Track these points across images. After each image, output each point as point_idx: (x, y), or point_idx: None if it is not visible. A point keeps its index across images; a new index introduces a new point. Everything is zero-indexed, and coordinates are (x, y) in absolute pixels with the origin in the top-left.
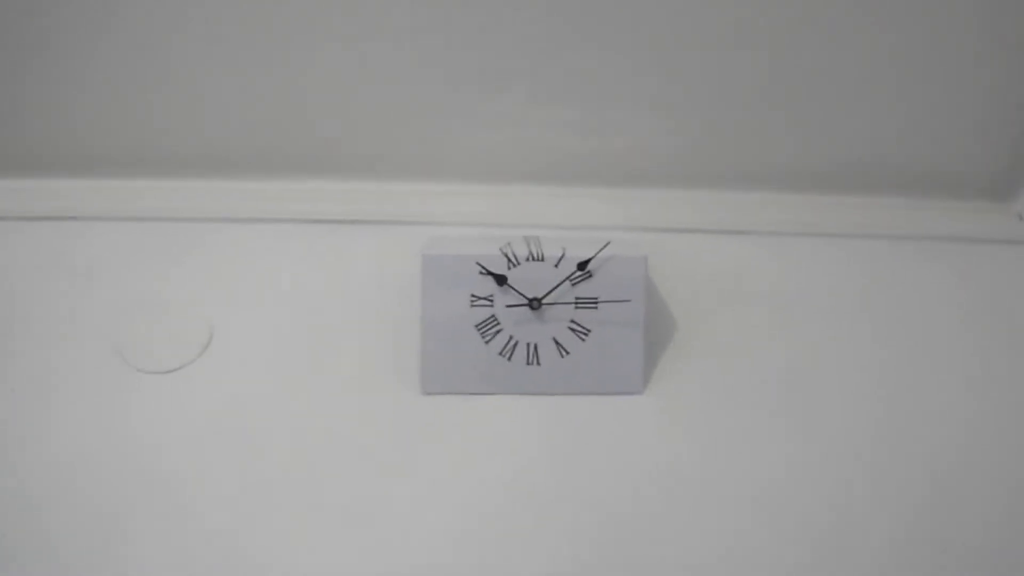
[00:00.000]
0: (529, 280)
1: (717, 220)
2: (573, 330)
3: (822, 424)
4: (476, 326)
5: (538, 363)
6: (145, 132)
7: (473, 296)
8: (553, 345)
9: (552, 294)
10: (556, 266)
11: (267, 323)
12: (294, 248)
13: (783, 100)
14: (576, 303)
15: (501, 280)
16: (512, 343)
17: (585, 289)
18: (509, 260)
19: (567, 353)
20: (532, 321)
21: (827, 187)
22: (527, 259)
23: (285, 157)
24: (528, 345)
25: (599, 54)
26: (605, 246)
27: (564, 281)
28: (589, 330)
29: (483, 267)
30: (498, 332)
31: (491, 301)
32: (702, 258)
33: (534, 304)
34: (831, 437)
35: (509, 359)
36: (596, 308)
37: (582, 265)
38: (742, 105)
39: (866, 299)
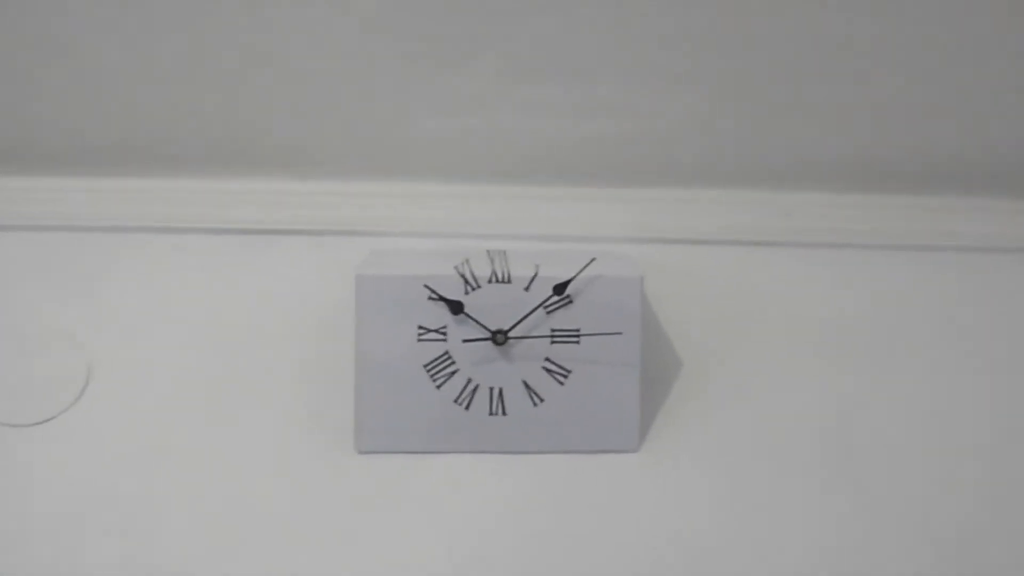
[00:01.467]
0: (492, 307)
1: (733, 228)
2: (549, 371)
3: (873, 489)
4: (425, 366)
5: (503, 412)
6: (5, 120)
7: (421, 328)
8: (523, 390)
9: (522, 325)
10: (527, 289)
11: (160, 361)
12: (196, 265)
13: (824, 71)
14: (553, 336)
15: (457, 307)
16: (471, 388)
17: (564, 319)
18: (467, 282)
19: (541, 400)
20: (496, 360)
21: (878, 184)
22: (490, 280)
23: (181, 150)
24: (491, 390)
25: (584, 17)
26: (590, 263)
27: (537, 308)
28: (569, 371)
29: (433, 291)
30: (453, 374)
31: (444, 334)
32: (714, 278)
33: (498, 338)
34: (885, 506)
35: (467, 408)
36: (578, 343)
37: (560, 288)
38: (768, 78)
39: (936, 324)
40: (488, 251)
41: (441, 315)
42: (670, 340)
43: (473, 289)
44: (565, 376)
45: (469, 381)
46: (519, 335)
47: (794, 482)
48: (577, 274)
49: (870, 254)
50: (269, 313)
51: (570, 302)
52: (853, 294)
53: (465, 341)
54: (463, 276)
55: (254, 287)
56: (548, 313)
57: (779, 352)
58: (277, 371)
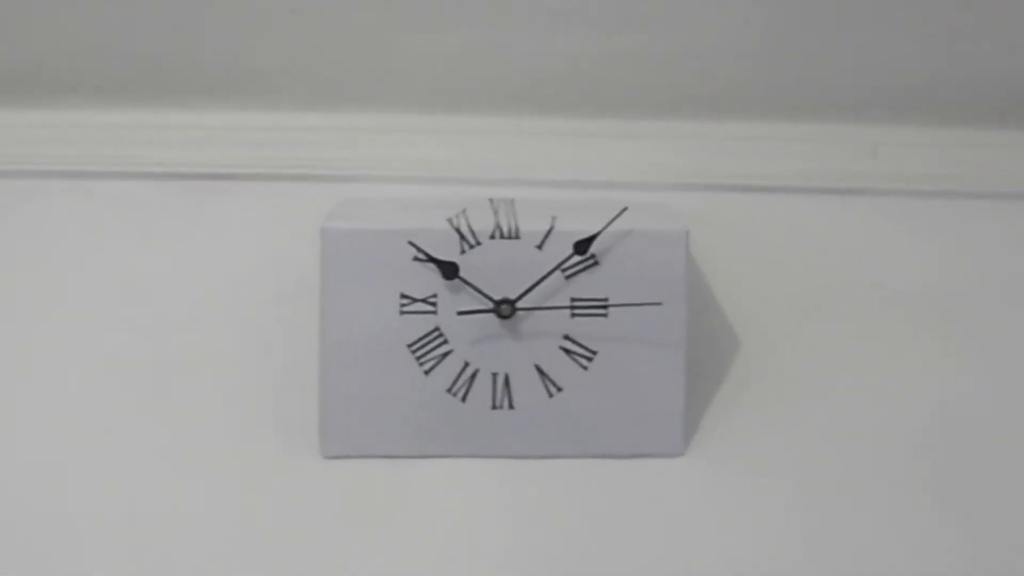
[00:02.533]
0: (496, 270)
1: (802, 172)
2: (569, 352)
3: (982, 511)
4: (410, 346)
5: (510, 406)
6: None
7: (404, 297)
8: (535, 377)
9: (533, 293)
10: (539, 247)
11: (70, 342)
12: (116, 220)
13: None
14: (574, 308)
15: (450, 270)
16: (468, 374)
17: (588, 285)
18: (463, 237)
19: (558, 390)
20: (501, 338)
21: (994, 117)
22: (493, 235)
23: (93, 73)
24: (494, 377)
25: None
26: (621, 214)
27: (554, 271)
28: (594, 352)
29: (420, 249)
30: (445, 356)
31: (433, 305)
32: (777, 234)
33: (503, 310)
34: (996, 535)
35: (463, 400)
36: (606, 316)
37: (582, 245)
38: None
39: None
40: (491, 200)
41: (430, 281)
42: (723, 313)
43: (471, 247)
44: (589, 359)
45: (466, 366)
46: (530, 306)
47: (881, 498)
48: (605, 227)
49: (981, 205)
50: (214, 280)
51: (595, 264)
52: (959, 256)
53: (461, 314)
54: (458, 230)
55: (195, 247)
56: (567, 278)
57: (862, 330)
58: (224, 354)
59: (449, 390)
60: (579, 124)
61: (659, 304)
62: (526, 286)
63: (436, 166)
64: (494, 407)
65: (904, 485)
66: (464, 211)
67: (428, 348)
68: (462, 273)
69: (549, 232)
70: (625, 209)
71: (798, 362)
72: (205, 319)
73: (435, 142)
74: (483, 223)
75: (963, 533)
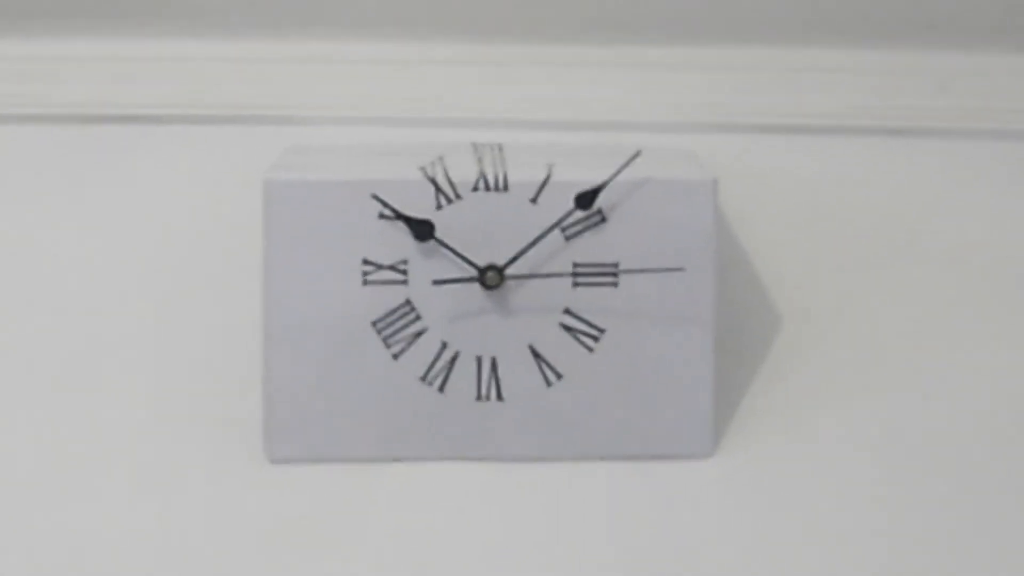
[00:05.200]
0: (480, 230)
1: (856, 108)
2: (571, 330)
3: None
4: (375, 324)
5: (499, 397)
6: None
7: (368, 264)
8: (530, 361)
9: (526, 257)
10: (534, 200)
11: None
12: (12, 170)
13: None
14: (576, 275)
15: (424, 230)
16: (446, 357)
17: (593, 247)
18: (440, 190)
19: (558, 377)
20: (487, 313)
21: None
22: (476, 187)
23: None
24: (479, 362)
25: None
26: (632, 160)
27: (551, 231)
28: (602, 330)
29: (387, 204)
30: (418, 336)
31: (403, 273)
32: (827, 185)
33: (490, 278)
34: None
35: (440, 389)
36: (616, 285)
37: (585, 198)
38: None
39: None
40: (475, 144)
41: (399, 243)
42: (757, 282)
43: (450, 202)
44: (596, 338)
45: (444, 347)
46: (522, 273)
47: (957, 505)
48: (614, 176)
49: None
50: (133, 247)
51: (602, 221)
52: None
53: (437, 283)
54: (434, 181)
55: (108, 206)
56: (568, 239)
57: (928, 303)
58: (146, 337)
59: (423, 378)
60: (580, 51)
61: (681, 270)
62: (517, 248)
63: (406, 105)
64: (479, 398)
65: (975, 493)
66: (441, 159)
67: (397, 326)
68: (438, 233)
69: (545, 182)
70: (638, 154)
71: (849, 343)
72: (122, 294)
73: (404, 75)
74: (464, 173)
75: None
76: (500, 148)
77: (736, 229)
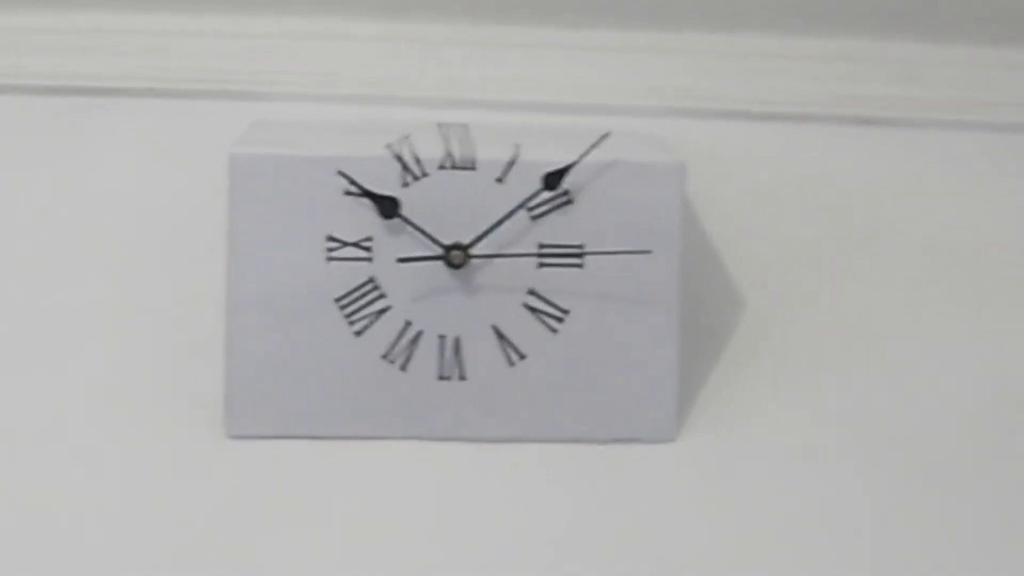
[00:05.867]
0: (446, 208)
1: (824, 96)
2: (535, 311)
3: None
4: (337, 301)
5: (461, 377)
6: None
7: (332, 241)
8: (493, 341)
9: (492, 236)
10: (500, 180)
11: None
12: None
13: None
14: (542, 256)
15: (389, 207)
16: (409, 336)
17: (560, 228)
18: (406, 167)
19: (521, 357)
20: (451, 292)
21: None
22: (443, 165)
23: None
24: (442, 340)
25: None
26: (601, 141)
27: (517, 210)
28: (566, 311)
29: (353, 181)
30: (381, 313)
31: (367, 250)
32: (794, 171)
33: (455, 257)
34: None
35: (403, 368)
36: (581, 267)
37: (553, 178)
38: None
39: None
40: (440, 124)
41: (364, 220)
42: (722, 266)
43: (416, 179)
44: (560, 319)
45: (407, 326)
46: (488, 253)
47: (909, 497)
48: (582, 157)
49: None
50: (94, 219)
51: (569, 202)
52: (1015, 201)
53: (402, 261)
54: (400, 158)
55: (69, 179)
56: (534, 219)
57: (893, 290)
58: (105, 309)
59: (385, 356)
60: (548, 33)
61: (648, 252)
62: (483, 228)
63: (372, 83)
64: (441, 377)
65: (940, 481)
66: (407, 137)
67: (360, 303)
68: (404, 211)
69: (512, 162)
70: (607, 135)
71: (814, 329)
72: (83, 265)
73: (371, 53)
74: (431, 150)
75: (1006, 540)
76: (467, 128)
77: (702, 214)
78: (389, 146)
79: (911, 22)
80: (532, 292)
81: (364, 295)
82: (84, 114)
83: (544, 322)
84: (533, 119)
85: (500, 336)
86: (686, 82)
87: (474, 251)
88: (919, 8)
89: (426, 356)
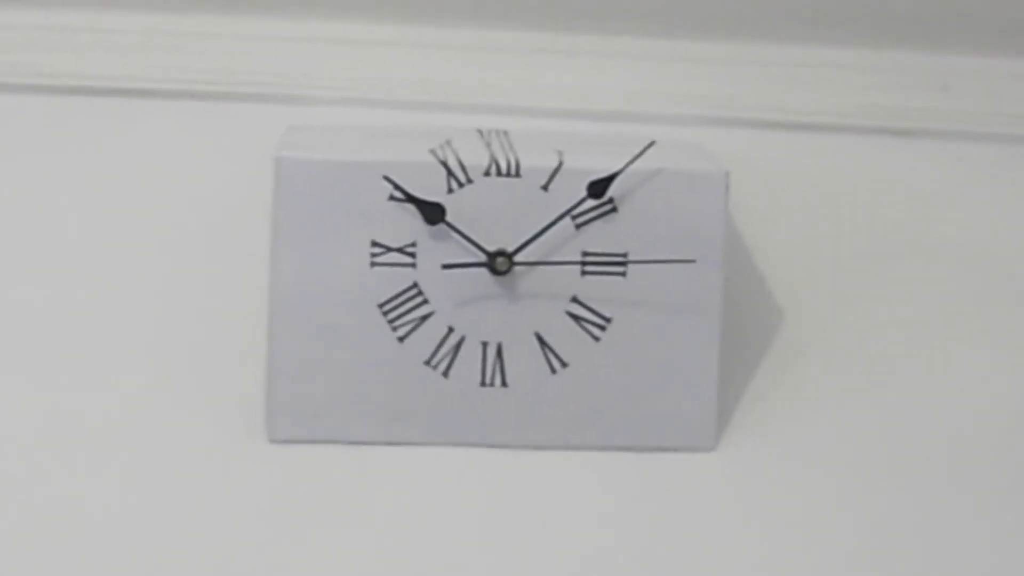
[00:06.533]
0: (490, 215)
1: (863, 107)
2: (577, 319)
3: None
4: (380, 306)
5: (503, 383)
6: None
7: (376, 246)
8: (536, 348)
9: (536, 244)
10: (545, 187)
11: None
12: (23, 140)
13: None
14: (585, 264)
15: (434, 213)
16: (452, 342)
17: (603, 237)
18: (451, 173)
19: (563, 365)
20: (494, 299)
21: None
22: (488, 172)
23: None
24: (484, 347)
25: None
26: (647, 149)
27: (562, 218)
28: (609, 319)
29: (398, 186)
30: (425, 319)
31: (412, 256)
32: (831, 180)
33: (499, 264)
34: None
35: (445, 374)
36: (624, 275)
37: (598, 187)
38: None
39: None
40: (480, 131)
41: (409, 226)
42: (761, 277)
43: (461, 185)
44: (603, 327)
45: (450, 332)
46: (531, 260)
47: (950, 509)
48: (627, 165)
49: None
50: (133, 220)
51: (613, 211)
52: None
53: (446, 267)
54: (446, 164)
55: (108, 177)
56: (578, 227)
57: (933, 301)
58: (146, 311)
59: (428, 362)
60: (589, 41)
61: (692, 262)
62: (527, 235)
63: (412, 88)
64: (483, 384)
65: (979, 492)
66: (449, 142)
67: (404, 309)
68: (449, 217)
69: (557, 169)
70: (652, 144)
71: (853, 339)
72: (123, 268)
73: (412, 59)
74: (476, 157)
75: None
76: (507, 135)
77: (739, 223)
78: (433, 152)
79: (947, 34)
80: (575, 300)
81: (407, 300)
82: (122, 114)
83: (587, 330)
84: (573, 126)
85: (542, 343)
86: (725, 91)
87: (518, 258)
88: (955, 20)
89: (468, 362)
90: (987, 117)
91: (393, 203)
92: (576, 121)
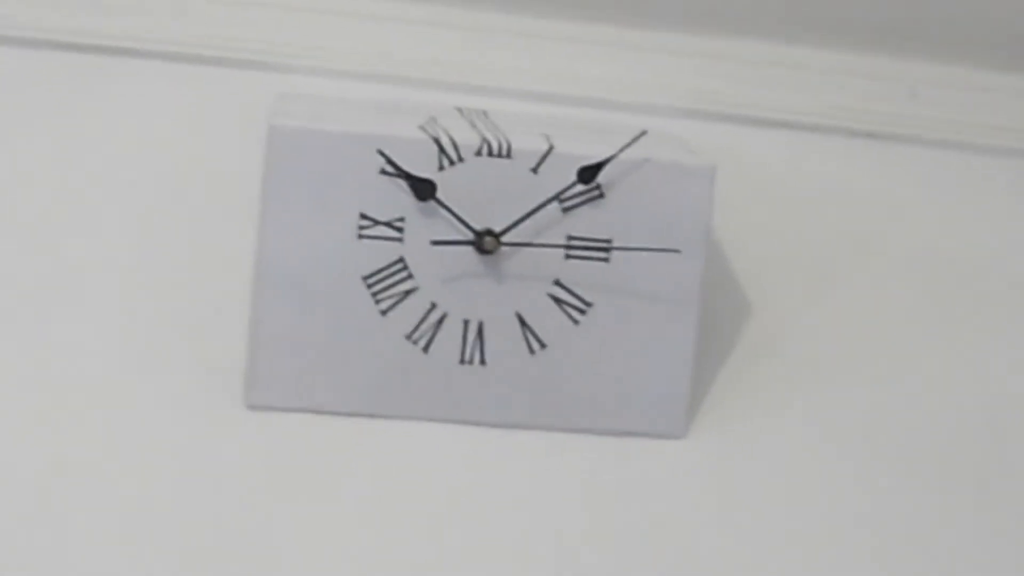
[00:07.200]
0: (479, 194)
1: (832, 106)
2: (559, 301)
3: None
4: (365, 279)
5: (482, 361)
6: None
7: (365, 219)
8: (516, 328)
9: (523, 226)
10: (534, 170)
11: None
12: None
13: None
14: (570, 248)
15: (425, 190)
16: (434, 318)
17: (589, 222)
18: (443, 151)
19: (542, 346)
20: (479, 277)
21: None
22: (479, 151)
23: None
24: (466, 325)
25: None
26: (637, 138)
27: (549, 202)
28: (590, 304)
29: (391, 160)
30: (408, 294)
31: (399, 230)
32: (803, 178)
33: (487, 243)
34: None
35: (425, 350)
36: (607, 261)
37: (588, 173)
38: None
39: None
40: (459, 109)
41: (398, 200)
42: (735, 268)
43: (452, 164)
44: (583, 311)
45: (433, 307)
46: (518, 241)
47: (907, 500)
48: (619, 152)
49: None
50: (115, 177)
51: (600, 197)
52: (1018, 223)
53: (436, 243)
54: (438, 142)
55: (91, 135)
56: (565, 211)
57: (897, 297)
58: (126, 268)
59: (409, 336)
60: (577, 28)
61: (677, 252)
62: (514, 216)
63: (395, 63)
64: (463, 361)
65: (939, 484)
66: (434, 119)
67: (388, 283)
68: (439, 194)
69: (548, 153)
70: (644, 133)
71: (820, 334)
72: (105, 229)
73: (397, 33)
74: (468, 136)
75: (1002, 541)
76: (485, 114)
77: (728, 217)
78: (423, 128)
79: (918, 42)
80: (557, 283)
81: (393, 275)
82: (109, 71)
83: (567, 313)
84: (554, 111)
85: (523, 324)
86: (704, 85)
87: (505, 239)
88: (926, 29)
89: (449, 339)
90: (952, 125)
91: (384, 177)
92: (558, 106)
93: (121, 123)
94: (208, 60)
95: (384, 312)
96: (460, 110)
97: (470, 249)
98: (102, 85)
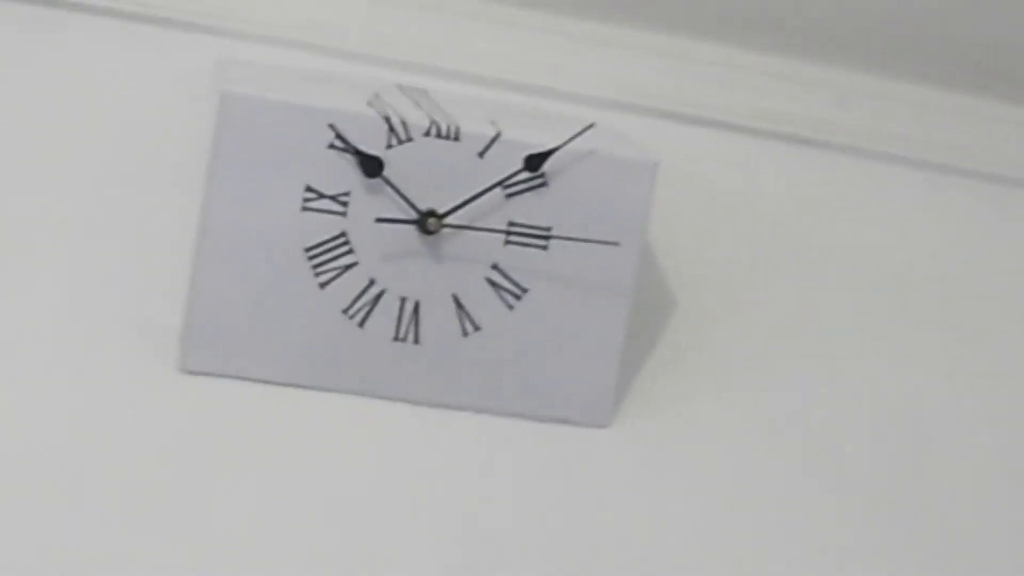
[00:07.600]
0: (425, 175)
1: (760, 109)
2: (495, 285)
3: (948, 527)
4: (307, 251)
5: (416, 340)
6: None
7: (310, 191)
8: (451, 309)
9: (467, 209)
10: (481, 155)
11: None
12: None
13: None
14: (510, 233)
15: (373, 166)
16: (371, 294)
17: (531, 209)
18: (392, 129)
19: (476, 328)
20: (419, 256)
21: (1000, 82)
22: (428, 132)
23: None
24: (403, 303)
25: None
26: (585, 130)
27: (494, 187)
28: (525, 289)
29: (340, 135)
30: (348, 268)
31: (344, 205)
32: (734, 178)
33: (430, 223)
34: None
35: (360, 324)
36: (545, 248)
37: (536, 160)
38: None
39: None
40: (400, 86)
41: (344, 175)
42: (665, 264)
43: (400, 142)
44: (518, 296)
45: (371, 284)
46: (460, 223)
47: (820, 497)
48: (568, 142)
49: (965, 183)
50: (50, 132)
51: (543, 185)
52: (934, 234)
53: (380, 221)
54: (388, 120)
55: (27, 89)
56: (508, 197)
57: (822, 301)
58: (61, 223)
59: (346, 311)
60: (525, 15)
61: (615, 244)
62: (458, 198)
63: (342, 36)
64: (397, 338)
65: (848, 485)
66: (378, 95)
67: (329, 256)
68: (386, 172)
69: (495, 138)
70: (592, 125)
71: (747, 332)
72: (40, 186)
73: (345, 5)
74: (417, 116)
75: (925, 544)
76: (425, 93)
77: (667, 211)
78: (371, 104)
79: (848, 50)
80: (495, 267)
81: (334, 248)
82: (49, 24)
83: (502, 297)
84: (494, 95)
85: (459, 305)
86: (651, 81)
87: (448, 221)
88: (855, 38)
89: (385, 316)
90: (877, 136)
91: (332, 151)
92: (502, 91)
93: (64, 80)
94: (152, 20)
95: (323, 285)
96: (401, 87)
97: (412, 228)
98: (43, 37)
